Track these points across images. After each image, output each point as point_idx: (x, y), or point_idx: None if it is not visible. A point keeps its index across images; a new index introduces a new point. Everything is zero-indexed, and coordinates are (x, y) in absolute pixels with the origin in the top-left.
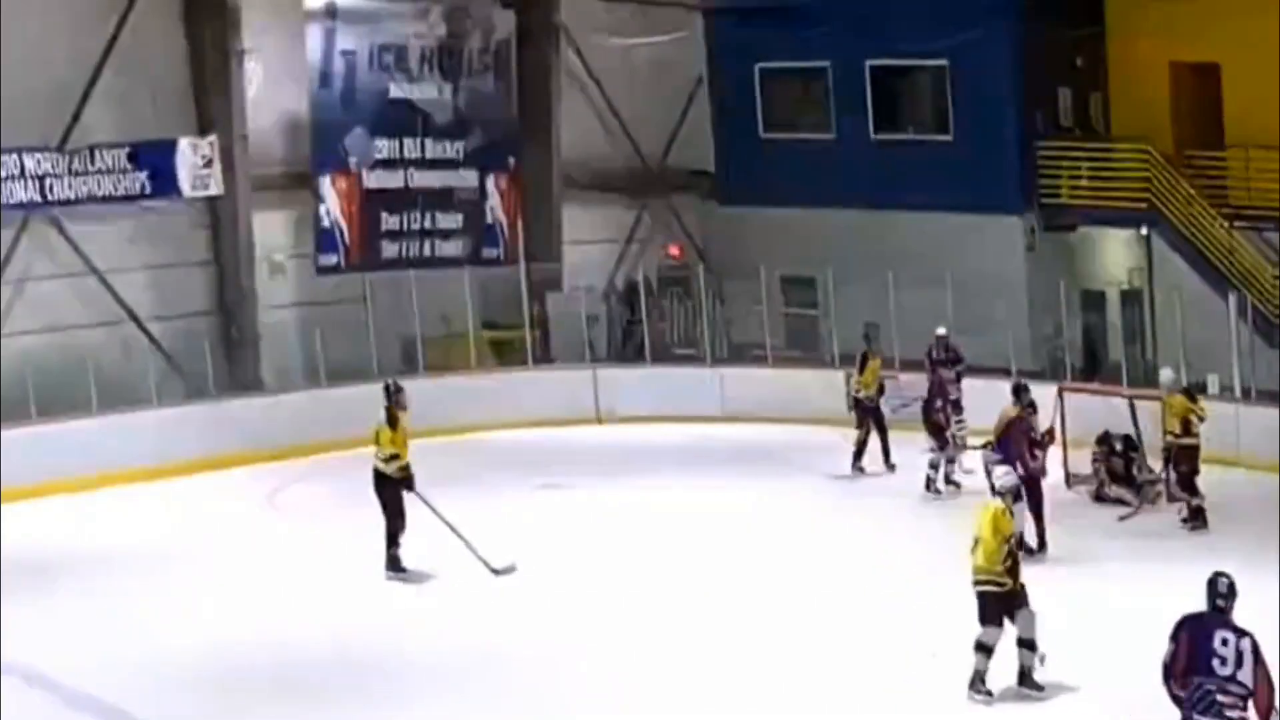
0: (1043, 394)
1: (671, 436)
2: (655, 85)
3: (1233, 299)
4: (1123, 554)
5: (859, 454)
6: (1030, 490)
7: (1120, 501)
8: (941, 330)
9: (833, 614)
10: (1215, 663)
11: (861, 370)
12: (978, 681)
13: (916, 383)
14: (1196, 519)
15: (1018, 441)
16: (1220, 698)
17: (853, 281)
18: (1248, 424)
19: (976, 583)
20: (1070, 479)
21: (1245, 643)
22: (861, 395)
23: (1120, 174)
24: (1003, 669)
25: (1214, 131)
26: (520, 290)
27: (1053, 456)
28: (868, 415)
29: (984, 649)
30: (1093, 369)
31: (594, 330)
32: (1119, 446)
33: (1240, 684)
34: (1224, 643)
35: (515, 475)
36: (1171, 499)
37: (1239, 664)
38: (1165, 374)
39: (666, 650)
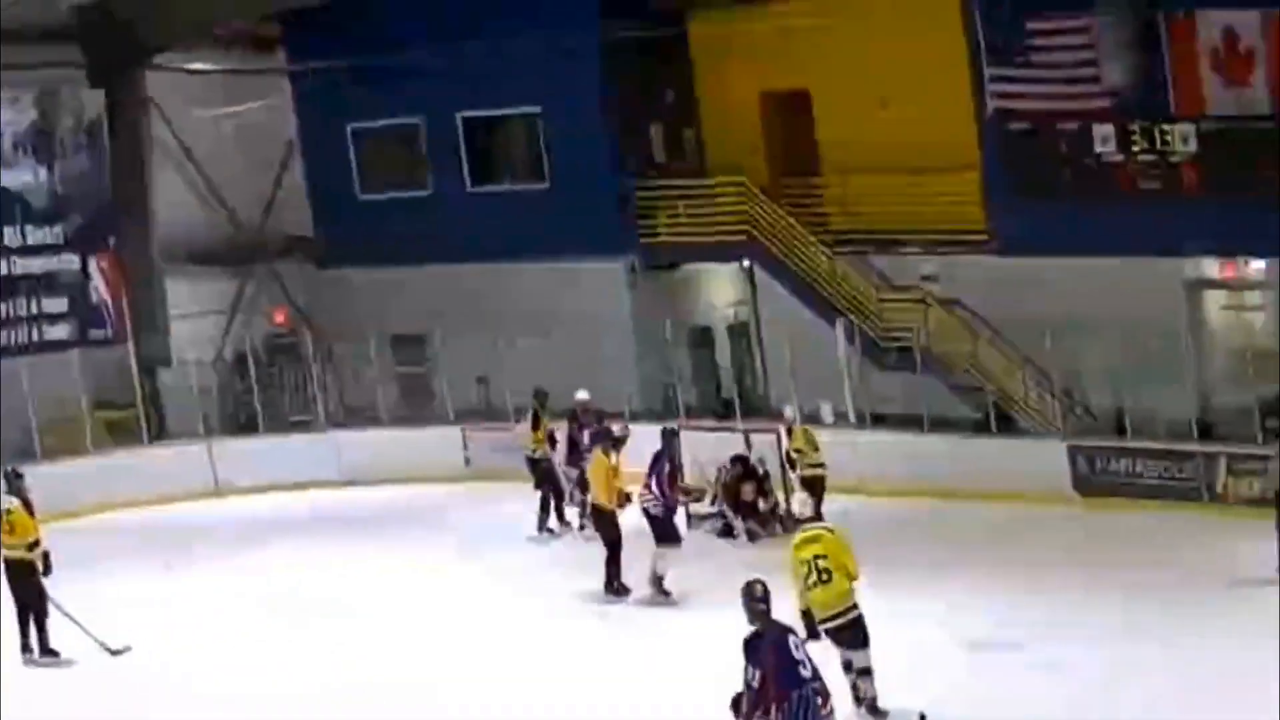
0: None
1: (292, 504)
2: (248, 153)
3: (840, 325)
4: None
5: (544, 514)
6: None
7: (749, 534)
8: (582, 394)
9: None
10: (800, 669)
11: (535, 428)
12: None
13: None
14: None
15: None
16: (819, 700)
17: (462, 335)
18: (863, 450)
19: (834, 616)
20: (691, 519)
21: (798, 639)
22: (537, 454)
23: (718, 208)
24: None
25: (809, 159)
26: (131, 368)
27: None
28: (541, 472)
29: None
30: (727, 408)
31: (207, 403)
32: (740, 475)
33: (821, 680)
34: (796, 647)
35: (137, 554)
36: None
37: (809, 660)
38: (788, 410)
39: None
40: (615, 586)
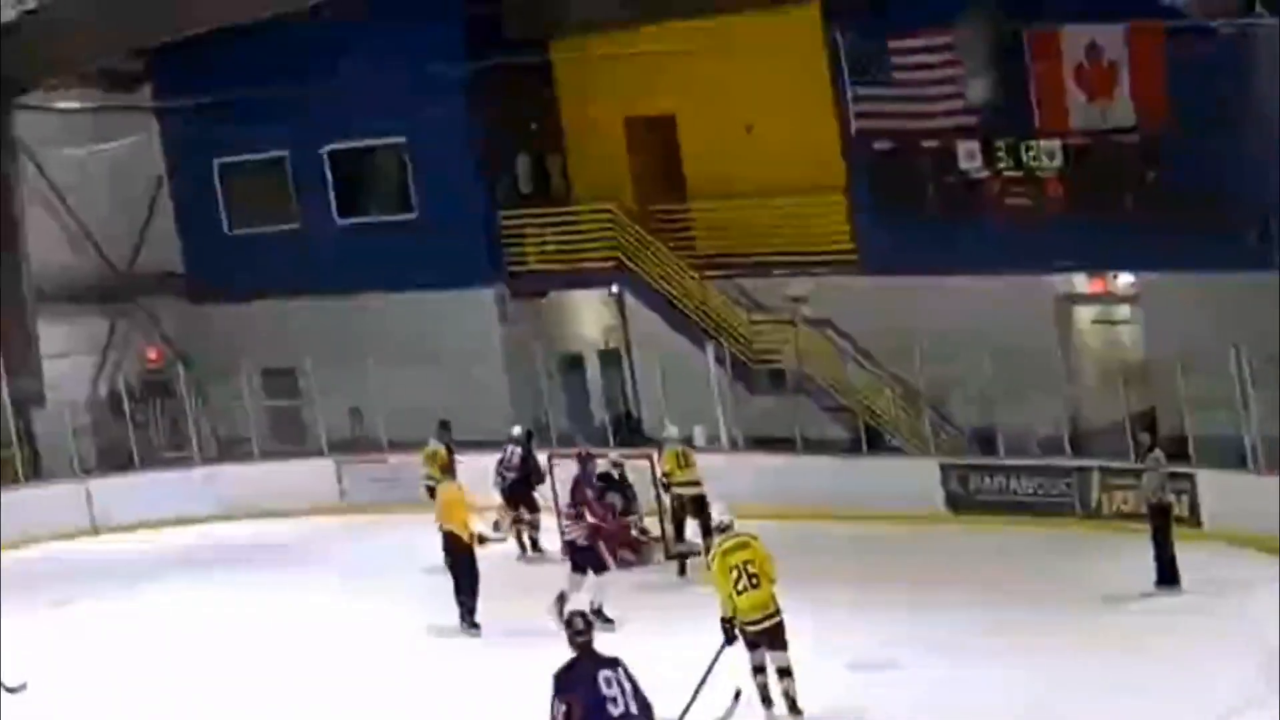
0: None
1: (170, 540)
2: (118, 190)
3: (710, 349)
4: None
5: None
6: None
7: (624, 562)
8: (516, 430)
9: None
10: (610, 707)
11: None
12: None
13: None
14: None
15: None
16: None
17: (334, 367)
18: (737, 472)
19: (761, 620)
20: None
21: (621, 672)
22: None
23: (586, 235)
24: None
25: (675, 184)
26: (4, 408)
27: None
28: None
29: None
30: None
31: (82, 442)
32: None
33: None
34: (609, 682)
35: (19, 594)
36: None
37: (626, 695)
38: (669, 430)
39: None
40: (470, 621)
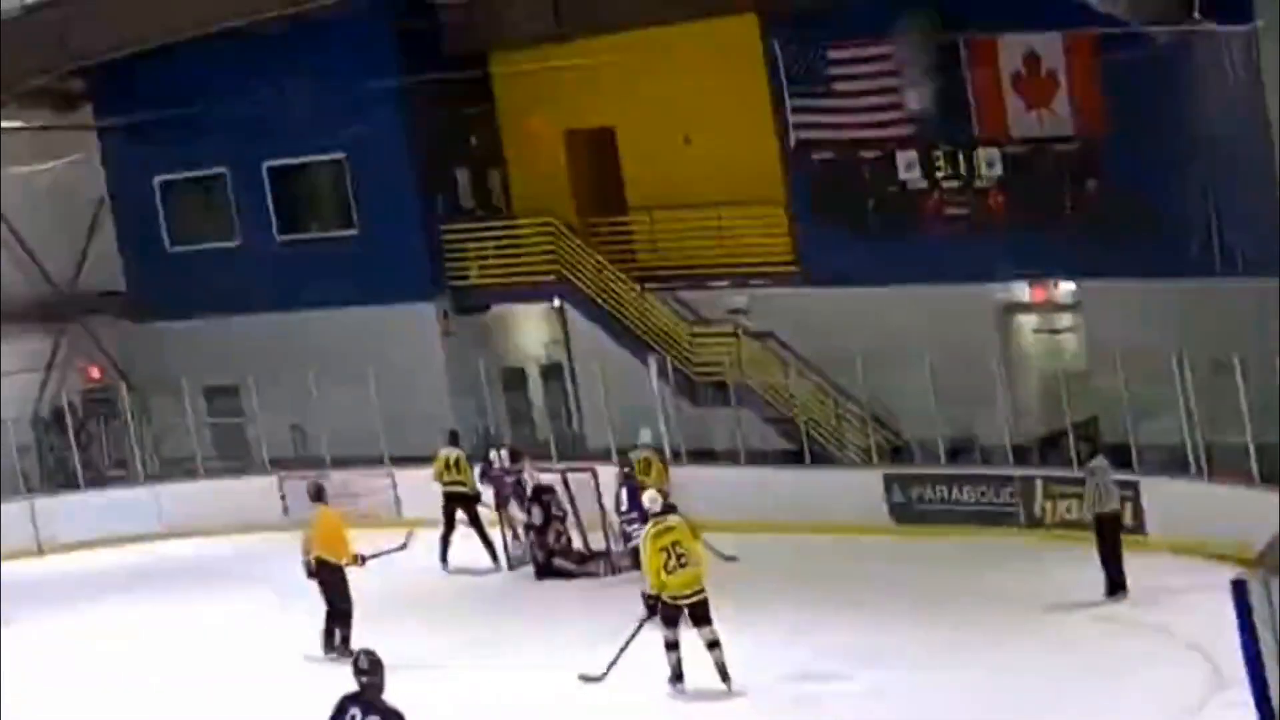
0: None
1: (115, 559)
2: (60, 209)
3: (652, 362)
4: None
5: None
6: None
7: (564, 573)
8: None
9: None
10: None
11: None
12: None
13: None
14: None
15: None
16: None
17: (276, 384)
18: (680, 484)
19: (687, 595)
20: (511, 561)
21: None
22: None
23: (526, 249)
24: None
25: (616, 196)
26: None
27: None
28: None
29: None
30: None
31: (25, 461)
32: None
33: None
34: None
35: None
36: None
37: None
38: (644, 434)
39: None
40: (338, 645)
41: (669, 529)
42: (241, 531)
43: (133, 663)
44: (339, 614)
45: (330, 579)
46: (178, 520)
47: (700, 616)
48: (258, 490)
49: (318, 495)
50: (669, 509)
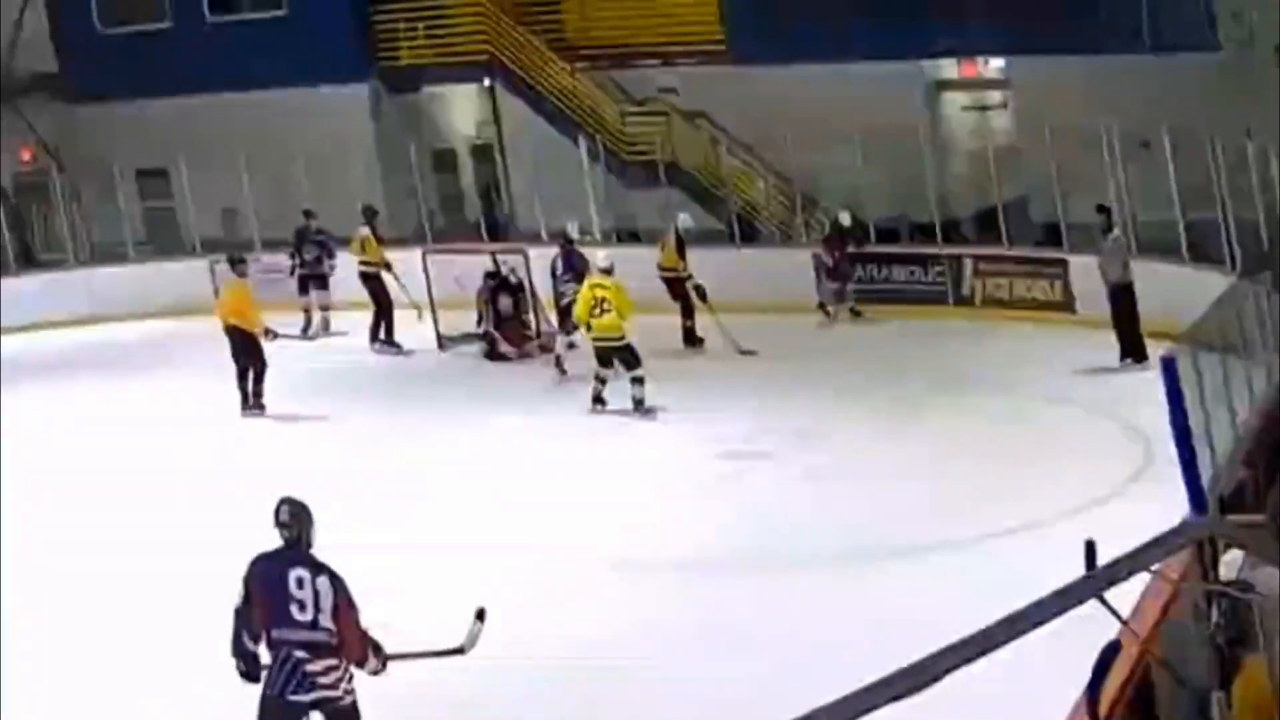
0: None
1: (45, 343)
2: None
3: (583, 142)
4: None
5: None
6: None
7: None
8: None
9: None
10: (294, 611)
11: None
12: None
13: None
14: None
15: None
16: (308, 666)
17: (208, 169)
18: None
19: (605, 338)
20: (443, 341)
21: (323, 581)
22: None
23: (457, 28)
24: None
25: None
26: None
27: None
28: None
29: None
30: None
31: None
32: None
33: (325, 630)
34: (302, 583)
35: None
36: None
37: (318, 607)
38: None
39: None
40: (253, 403)
41: (603, 285)
42: (174, 315)
43: (59, 445)
44: (255, 373)
45: (244, 342)
46: (109, 304)
47: (626, 362)
48: (188, 274)
49: (234, 265)
50: (607, 272)
